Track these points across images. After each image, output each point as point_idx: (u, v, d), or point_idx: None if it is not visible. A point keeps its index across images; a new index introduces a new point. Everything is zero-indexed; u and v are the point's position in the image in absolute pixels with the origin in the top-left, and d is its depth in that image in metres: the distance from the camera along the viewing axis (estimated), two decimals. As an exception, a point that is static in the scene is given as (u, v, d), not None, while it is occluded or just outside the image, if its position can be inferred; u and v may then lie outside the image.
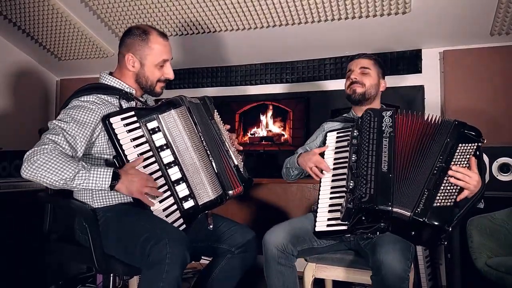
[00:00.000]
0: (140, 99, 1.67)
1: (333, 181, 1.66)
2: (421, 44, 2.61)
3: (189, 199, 1.51)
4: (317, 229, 1.58)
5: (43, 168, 1.34)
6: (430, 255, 2.34)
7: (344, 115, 1.96)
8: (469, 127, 1.52)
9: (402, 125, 1.57)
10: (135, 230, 1.41)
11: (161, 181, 1.50)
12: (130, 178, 1.42)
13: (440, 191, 1.43)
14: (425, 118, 1.58)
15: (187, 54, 2.97)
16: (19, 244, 2.35)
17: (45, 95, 3.45)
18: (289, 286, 1.60)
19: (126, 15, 2.62)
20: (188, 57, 3.01)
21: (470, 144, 1.48)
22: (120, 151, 1.47)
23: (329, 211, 1.59)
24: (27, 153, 1.36)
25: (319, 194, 1.66)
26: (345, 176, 1.59)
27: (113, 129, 1.47)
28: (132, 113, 1.52)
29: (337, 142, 1.74)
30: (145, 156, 1.50)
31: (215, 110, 1.77)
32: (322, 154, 1.74)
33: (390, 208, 1.40)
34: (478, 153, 1.47)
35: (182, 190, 1.51)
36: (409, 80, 2.67)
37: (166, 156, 1.52)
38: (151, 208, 1.48)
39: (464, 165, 1.46)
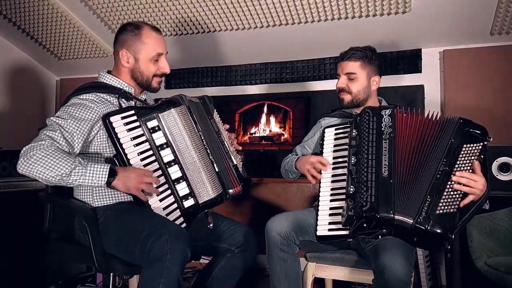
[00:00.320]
0: (140, 98, 1.67)
1: (332, 181, 1.63)
2: (421, 44, 2.61)
3: (189, 197, 1.52)
4: (318, 233, 1.56)
5: (39, 163, 1.34)
6: (430, 255, 2.33)
7: (342, 109, 1.90)
8: (474, 125, 1.45)
9: (402, 125, 1.52)
10: (135, 228, 1.41)
11: (162, 179, 1.50)
12: (127, 174, 1.42)
13: (443, 197, 1.38)
14: (427, 116, 1.53)
15: (187, 53, 2.97)
16: (19, 244, 2.35)
17: (45, 95, 3.45)
18: (291, 273, 1.59)
19: (126, 15, 2.62)
20: (188, 56, 3.01)
21: (475, 145, 1.41)
22: (120, 150, 1.47)
23: (330, 215, 1.56)
24: (24, 148, 1.37)
25: (319, 196, 1.63)
26: (345, 177, 1.56)
27: (113, 128, 1.47)
28: (132, 112, 1.52)
29: (335, 139, 1.70)
30: (145, 155, 1.50)
31: (215, 110, 1.77)
32: (321, 153, 1.71)
33: (392, 216, 1.37)
34: (484, 152, 1.42)
35: (182, 188, 1.52)
36: (409, 79, 2.67)
37: (166, 155, 1.52)
38: (151, 206, 1.47)
39: (468, 167, 1.39)
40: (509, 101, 2.43)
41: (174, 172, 1.52)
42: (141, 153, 1.49)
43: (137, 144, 1.49)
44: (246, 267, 1.68)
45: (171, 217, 1.48)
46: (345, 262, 1.68)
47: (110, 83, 1.62)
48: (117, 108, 1.56)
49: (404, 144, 1.49)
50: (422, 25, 2.40)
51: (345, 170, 1.58)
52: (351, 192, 1.46)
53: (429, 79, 2.63)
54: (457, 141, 1.43)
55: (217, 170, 1.60)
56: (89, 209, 1.52)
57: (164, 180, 1.51)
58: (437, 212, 1.36)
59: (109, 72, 1.66)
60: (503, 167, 2.08)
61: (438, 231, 1.33)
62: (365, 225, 1.40)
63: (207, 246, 1.67)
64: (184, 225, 1.50)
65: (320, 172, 1.66)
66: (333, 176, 1.64)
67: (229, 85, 3.10)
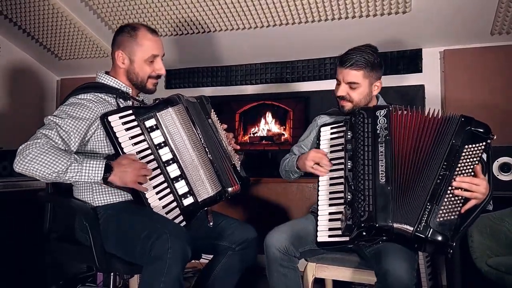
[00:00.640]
0: (137, 98, 1.68)
1: (331, 185, 1.59)
2: (422, 44, 2.61)
3: (189, 196, 1.52)
4: (319, 239, 1.53)
5: (36, 161, 1.35)
6: (431, 255, 2.33)
7: (338, 107, 1.83)
8: (477, 123, 1.38)
9: (398, 126, 1.47)
10: (136, 228, 1.41)
11: (160, 178, 1.51)
12: (123, 169, 1.42)
13: (444, 203, 1.32)
14: (426, 114, 1.47)
15: (187, 53, 2.97)
16: (19, 244, 2.35)
17: (45, 95, 3.45)
18: (292, 287, 1.58)
19: (127, 15, 2.62)
20: (188, 56, 3.01)
21: (477, 144, 1.35)
22: (119, 148, 1.47)
23: (330, 220, 1.53)
24: (20, 147, 1.38)
25: (318, 200, 1.60)
26: (342, 180, 1.53)
27: (111, 128, 1.48)
28: (130, 111, 1.53)
29: (331, 139, 1.66)
30: (143, 154, 1.50)
31: (212, 110, 1.78)
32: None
33: (391, 224, 1.33)
34: (487, 151, 1.36)
35: (181, 187, 1.52)
36: (409, 79, 2.67)
37: (165, 154, 1.53)
38: (151, 204, 1.48)
39: (470, 170, 1.33)
40: (510, 101, 2.42)
41: (173, 170, 1.53)
42: (140, 152, 1.50)
43: (136, 143, 1.50)
44: (247, 264, 1.68)
45: (170, 216, 1.49)
46: (345, 263, 1.67)
47: (108, 83, 1.62)
48: (115, 108, 1.56)
49: (401, 147, 1.44)
50: (423, 25, 2.40)
51: (342, 173, 1.54)
52: (348, 199, 1.44)
53: (430, 79, 2.63)
54: (458, 141, 1.37)
55: (215, 168, 1.60)
56: (89, 208, 1.52)
57: (163, 179, 1.51)
58: (438, 219, 1.31)
59: (107, 73, 1.67)
60: (504, 167, 2.08)
61: (439, 239, 1.30)
62: (364, 233, 1.36)
63: (208, 245, 1.67)
64: (183, 223, 1.50)
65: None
66: (330, 179, 1.60)
67: (229, 85, 3.10)
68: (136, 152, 1.49)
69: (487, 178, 1.38)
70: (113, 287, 1.62)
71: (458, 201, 1.33)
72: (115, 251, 1.47)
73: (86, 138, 1.53)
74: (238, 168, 1.73)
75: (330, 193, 1.58)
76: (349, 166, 1.49)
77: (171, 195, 1.51)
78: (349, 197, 1.44)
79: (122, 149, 1.47)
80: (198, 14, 2.54)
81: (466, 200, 1.34)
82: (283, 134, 2.86)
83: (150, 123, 1.53)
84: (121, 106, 1.58)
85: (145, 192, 1.47)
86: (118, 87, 1.62)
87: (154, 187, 1.50)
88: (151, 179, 1.49)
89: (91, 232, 1.46)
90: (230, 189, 1.61)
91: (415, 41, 2.59)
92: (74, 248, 1.60)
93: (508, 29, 2.31)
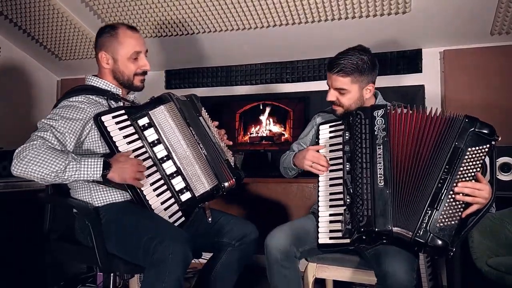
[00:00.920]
0: (127, 98, 1.69)
1: (330, 185, 1.58)
2: (421, 44, 2.61)
3: (186, 191, 1.54)
4: (320, 241, 1.53)
5: (33, 162, 1.34)
6: (431, 256, 2.33)
7: None
8: (481, 124, 1.35)
9: (397, 126, 1.44)
10: (138, 230, 1.41)
11: (157, 175, 1.52)
12: (121, 165, 1.43)
13: (445, 208, 1.30)
14: (428, 113, 1.43)
15: (187, 53, 2.97)
16: (19, 244, 2.35)
17: (45, 95, 3.44)
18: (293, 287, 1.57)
19: (127, 15, 2.62)
20: (188, 56, 3.01)
21: (481, 147, 1.31)
22: (114, 148, 1.48)
23: (330, 222, 1.53)
24: (16, 150, 1.38)
25: (318, 200, 1.60)
26: (342, 181, 1.52)
27: (105, 127, 1.49)
28: (122, 111, 1.54)
29: (330, 138, 1.64)
30: (138, 152, 1.51)
31: (203, 108, 1.80)
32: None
33: (390, 229, 1.32)
34: (490, 153, 1.33)
35: (178, 183, 1.54)
36: (409, 79, 2.67)
37: (159, 151, 1.55)
38: (149, 201, 1.48)
39: (473, 173, 1.30)
40: (510, 101, 2.43)
41: (169, 167, 1.54)
42: (134, 150, 1.51)
43: (130, 142, 1.51)
44: (247, 260, 1.69)
45: (169, 212, 1.50)
46: (346, 263, 1.67)
47: (98, 86, 1.63)
48: (107, 109, 1.57)
49: (400, 148, 1.42)
50: (423, 25, 2.40)
51: (341, 173, 1.53)
52: (348, 202, 1.43)
53: (430, 79, 2.63)
54: (461, 144, 1.33)
55: (210, 163, 1.62)
56: (91, 209, 1.52)
57: (160, 176, 1.52)
58: (438, 225, 1.29)
59: (95, 76, 1.67)
60: (504, 167, 2.08)
61: (439, 244, 1.29)
62: (364, 237, 1.36)
63: (208, 242, 1.68)
64: (182, 219, 1.52)
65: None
66: (330, 179, 1.59)
67: (229, 85, 3.10)
68: (131, 151, 1.50)
69: (490, 180, 1.35)
70: (113, 287, 1.62)
71: (459, 206, 1.30)
72: (117, 252, 1.47)
73: (81, 139, 1.53)
74: (232, 164, 1.74)
75: (330, 194, 1.57)
76: (347, 168, 1.49)
77: (168, 191, 1.53)
78: (348, 200, 1.44)
79: (117, 147, 1.48)
80: (199, 15, 2.54)
81: (468, 204, 1.32)
82: (283, 134, 2.86)
83: (143, 121, 1.55)
84: (113, 107, 1.59)
85: (142, 189, 1.48)
86: (108, 89, 1.63)
87: (151, 184, 1.51)
88: (147, 176, 1.50)
89: (94, 233, 1.46)
90: (226, 183, 1.62)
91: (415, 41, 2.59)
92: (74, 248, 1.60)
93: (508, 29, 2.31)
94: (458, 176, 1.32)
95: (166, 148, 1.55)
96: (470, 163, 1.31)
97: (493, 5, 2.18)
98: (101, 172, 1.40)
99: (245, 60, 3.01)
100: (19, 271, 2.37)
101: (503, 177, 2.08)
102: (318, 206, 1.59)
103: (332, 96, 1.68)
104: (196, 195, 1.55)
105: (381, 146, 1.42)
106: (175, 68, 3.21)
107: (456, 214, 1.30)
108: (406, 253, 1.41)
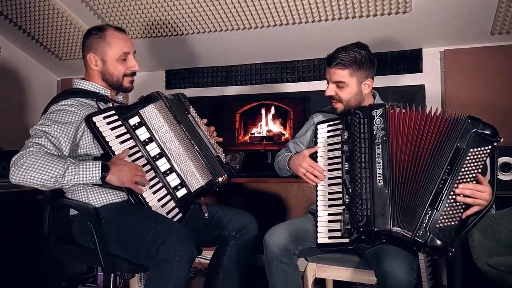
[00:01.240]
0: (116, 100, 1.69)
1: (329, 185, 1.58)
2: (422, 44, 2.61)
3: (181, 187, 1.56)
4: (319, 241, 1.53)
5: (31, 169, 1.34)
6: (430, 256, 2.33)
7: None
8: (484, 125, 1.34)
9: (396, 126, 1.44)
10: (140, 229, 1.42)
11: (151, 174, 1.53)
12: (120, 168, 1.43)
13: (445, 208, 1.30)
14: (427, 113, 1.43)
15: (187, 53, 2.97)
16: (19, 244, 2.35)
17: (45, 95, 3.44)
18: (293, 284, 1.58)
19: (127, 15, 2.62)
20: (188, 56, 3.01)
21: (483, 148, 1.30)
22: (107, 147, 1.49)
23: (329, 221, 1.53)
24: (13, 158, 1.36)
25: (317, 200, 1.60)
26: (341, 181, 1.52)
27: (97, 128, 1.49)
28: (113, 112, 1.55)
29: (329, 137, 1.64)
30: (132, 151, 1.52)
31: (191, 106, 1.81)
32: (315, 153, 1.66)
33: (389, 228, 1.32)
34: (492, 154, 1.32)
35: (173, 180, 1.55)
36: (409, 79, 2.67)
37: (152, 149, 1.56)
38: (146, 199, 1.49)
39: (474, 175, 1.29)
40: (510, 101, 2.42)
41: (162, 164, 1.55)
42: (128, 149, 1.52)
43: (122, 142, 1.52)
44: (251, 248, 1.72)
45: (166, 209, 1.51)
46: (346, 263, 1.67)
47: (86, 89, 1.63)
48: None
49: (400, 147, 1.42)
50: (423, 25, 2.40)
51: (340, 173, 1.53)
52: (347, 202, 1.43)
53: (430, 79, 2.63)
54: (463, 144, 1.32)
55: (203, 159, 1.63)
56: (91, 209, 1.52)
57: (154, 174, 1.53)
58: (438, 225, 1.29)
59: (82, 79, 1.67)
60: (504, 167, 2.09)
61: (438, 243, 1.29)
62: (363, 237, 1.36)
63: (207, 237, 1.70)
64: (179, 215, 1.53)
65: (316, 177, 1.61)
66: (329, 179, 1.59)
67: (229, 85, 3.10)
68: (128, 149, 1.51)
69: (492, 182, 1.35)
70: (113, 287, 1.62)
71: (460, 207, 1.30)
72: (119, 252, 1.47)
73: (76, 142, 1.53)
74: (223, 160, 1.75)
75: (329, 193, 1.57)
76: (346, 168, 1.48)
77: (164, 189, 1.54)
78: (347, 200, 1.44)
79: (110, 147, 1.49)
80: (199, 15, 2.54)
81: (468, 205, 1.32)
82: (284, 134, 2.86)
83: (133, 121, 1.56)
84: (103, 108, 1.59)
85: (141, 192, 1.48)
86: (97, 91, 1.63)
87: None
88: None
89: (96, 233, 1.45)
90: (220, 178, 1.63)
91: (415, 41, 2.59)
92: (74, 249, 1.59)
93: (508, 29, 2.31)
94: (459, 177, 1.32)
95: (159, 145, 1.57)
96: (472, 164, 1.31)
97: (493, 5, 2.18)
98: (100, 175, 1.40)
99: (245, 60, 3.01)
100: (19, 272, 2.37)
101: (503, 176, 2.08)
102: (317, 206, 1.59)
103: (331, 90, 1.69)
104: (192, 191, 1.57)
105: (380, 146, 1.42)
106: (175, 68, 3.21)
107: (456, 215, 1.30)
108: (405, 253, 1.41)
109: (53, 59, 3.22)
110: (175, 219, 1.53)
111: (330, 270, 1.72)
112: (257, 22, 2.53)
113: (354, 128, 1.49)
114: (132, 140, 1.54)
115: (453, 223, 1.30)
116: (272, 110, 2.89)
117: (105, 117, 1.52)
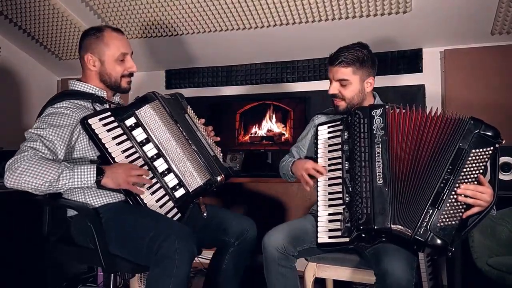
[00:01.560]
0: (113, 101, 1.68)
1: (329, 185, 1.58)
2: (422, 44, 2.61)
3: (179, 187, 1.55)
4: (319, 240, 1.53)
5: (26, 173, 1.33)
6: (430, 255, 2.33)
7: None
8: (486, 126, 1.35)
9: (396, 126, 1.45)
10: (140, 228, 1.42)
11: (149, 174, 1.52)
12: (114, 170, 1.43)
13: (446, 208, 1.30)
14: (427, 113, 1.44)
15: (187, 53, 2.97)
16: (19, 244, 2.35)
17: (45, 95, 3.40)
18: (291, 287, 1.58)
19: (127, 15, 2.62)
20: (188, 56, 3.01)
21: (485, 149, 1.31)
22: (103, 149, 1.48)
23: (330, 221, 1.53)
24: (8, 162, 1.36)
25: (317, 200, 1.60)
26: (341, 181, 1.53)
27: (92, 130, 1.48)
28: (109, 113, 1.54)
29: (329, 138, 1.65)
30: (129, 152, 1.52)
31: (188, 106, 1.80)
32: (315, 153, 1.67)
33: (389, 226, 1.33)
34: (494, 155, 1.33)
35: (170, 180, 1.55)
36: (409, 79, 2.67)
37: (149, 150, 1.55)
38: (144, 200, 1.48)
39: (476, 175, 1.30)
40: (510, 101, 2.42)
41: (160, 165, 1.55)
42: (124, 151, 1.51)
43: (119, 143, 1.51)
44: (250, 254, 1.71)
45: (165, 209, 1.51)
46: (346, 262, 1.67)
47: (82, 90, 1.62)
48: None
49: (400, 147, 1.42)
50: (423, 25, 2.40)
51: (340, 173, 1.54)
52: (347, 201, 1.43)
53: (430, 79, 2.63)
54: (465, 145, 1.33)
55: (201, 159, 1.62)
56: (91, 209, 1.52)
57: (152, 175, 1.53)
58: (438, 224, 1.29)
59: (79, 80, 1.66)
60: (504, 167, 2.09)
61: (438, 243, 1.29)
62: (363, 235, 1.36)
63: (207, 237, 1.69)
64: (178, 215, 1.53)
65: (312, 178, 1.62)
66: (329, 179, 1.59)
67: (230, 85, 3.10)
68: (121, 151, 1.50)
69: (493, 182, 1.36)
70: (113, 287, 1.62)
71: (461, 207, 1.31)
72: (119, 252, 1.47)
73: (71, 145, 1.52)
74: (221, 159, 1.75)
75: (329, 193, 1.58)
76: (346, 167, 1.49)
77: (162, 189, 1.53)
78: (347, 199, 1.44)
79: (107, 149, 1.48)
80: (199, 14, 2.54)
81: (469, 205, 1.32)
82: (284, 134, 2.86)
83: (130, 122, 1.55)
84: (98, 110, 1.59)
85: (140, 193, 1.48)
86: (93, 92, 1.62)
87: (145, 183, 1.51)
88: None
89: (96, 233, 1.45)
90: (219, 178, 1.63)
91: (415, 41, 2.59)
92: (74, 249, 1.59)
93: (508, 29, 2.31)
94: (460, 177, 1.32)
95: (156, 146, 1.56)
96: (473, 165, 1.32)
97: (493, 5, 2.18)
98: (94, 178, 1.39)
99: (245, 60, 3.01)
100: (19, 272, 2.37)
101: (503, 176, 2.08)
102: (317, 206, 1.59)
103: (334, 89, 1.70)
104: (190, 191, 1.56)
105: (380, 145, 1.43)
106: (175, 68, 3.21)
107: (457, 215, 1.31)
108: (405, 252, 1.41)
109: (53, 59, 3.22)
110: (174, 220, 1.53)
111: (330, 270, 1.72)
112: (257, 22, 2.53)
113: (354, 128, 1.50)
114: (129, 141, 1.53)
115: (454, 222, 1.30)
116: (272, 110, 2.89)
117: (101, 119, 1.51)
